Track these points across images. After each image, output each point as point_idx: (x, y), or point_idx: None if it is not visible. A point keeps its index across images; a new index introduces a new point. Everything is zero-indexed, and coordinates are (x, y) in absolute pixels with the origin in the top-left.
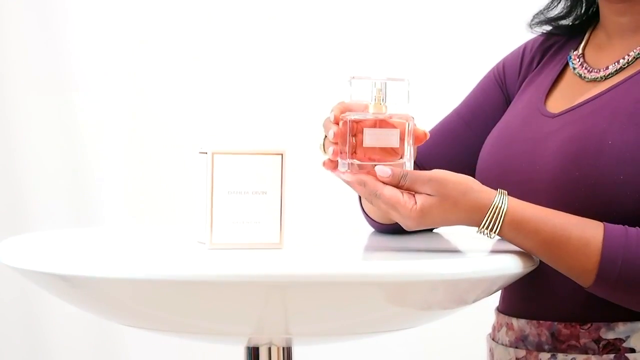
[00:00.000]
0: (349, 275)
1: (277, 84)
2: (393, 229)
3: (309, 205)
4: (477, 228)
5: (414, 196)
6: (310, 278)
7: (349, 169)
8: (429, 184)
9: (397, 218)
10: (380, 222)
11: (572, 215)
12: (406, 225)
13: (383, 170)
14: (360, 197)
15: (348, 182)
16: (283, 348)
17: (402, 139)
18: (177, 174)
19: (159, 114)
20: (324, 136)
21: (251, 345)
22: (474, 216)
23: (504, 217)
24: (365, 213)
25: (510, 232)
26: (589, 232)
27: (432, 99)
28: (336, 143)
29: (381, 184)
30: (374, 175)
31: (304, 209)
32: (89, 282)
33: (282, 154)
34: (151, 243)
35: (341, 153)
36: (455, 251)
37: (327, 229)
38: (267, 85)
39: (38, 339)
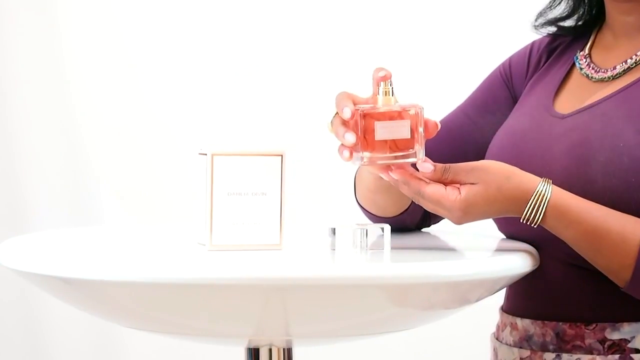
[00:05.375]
0: (350, 278)
1: (276, 84)
2: (391, 222)
3: (309, 206)
4: (520, 216)
5: (459, 188)
6: (310, 281)
7: (362, 161)
8: (472, 173)
9: (443, 213)
10: (378, 214)
11: (612, 209)
12: (454, 217)
13: (425, 166)
14: (355, 192)
15: (392, 181)
16: (283, 349)
17: (412, 130)
18: (177, 175)
19: (158, 115)
20: (334, 113)
21: (251, 346)
22: (518, 202)
23: (547, 203)
24: (363, 208)
25: (552, 220)
26: (629, 227)
27: (437, 97)
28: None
29: (424, 182)
30: (406, 170)
31: (303, 209)
32: (89, 285)
33: (281, 155)
34: (151, 244)
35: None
36: (456, 251)
37: (327, 230)
38: (267, 86)
39: (38, 339)
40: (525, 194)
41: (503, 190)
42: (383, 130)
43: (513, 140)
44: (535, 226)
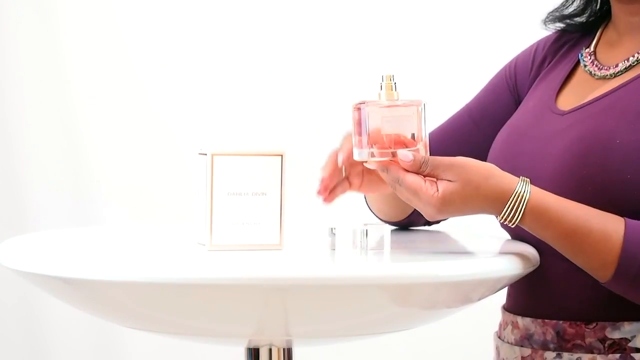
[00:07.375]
0: (350, 278)
1: (277, 84)
2: (401, 224)
3: (309, 205)
4: (497, 216)
5: (436, 183)
6: (310, 281)
7: (368, 157)
8: (450, 170)
9: (418, 206)
10: (387, 220)
11: (592, 208)
12: (427, 213)
13: (405, 154)
14: (365, 197)
15: (374, 168)
16: (283, 349)
17: (417, 124)
18: (177, 175)
19: (159, 115)
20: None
21: (251, 346)
22: (496, 203)
23: (526, 204)
24: (374, 213)
25: (531, 221)
26: (610, 226)
27: (442, 97)
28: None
29: (403, 171)
30: (397, 162)
31: (304, 209)
32: (89, 285)
33: (281, 155)
34: (151, 245)
35: (358, 142)
36: (457, 252)
37: (327, 230)
38: (267, 86)
39: (38, 339)
40: (504, 194)
41: (481, 190)
42: (388, 125)
43: (514, 138)
44: (512, 226)
